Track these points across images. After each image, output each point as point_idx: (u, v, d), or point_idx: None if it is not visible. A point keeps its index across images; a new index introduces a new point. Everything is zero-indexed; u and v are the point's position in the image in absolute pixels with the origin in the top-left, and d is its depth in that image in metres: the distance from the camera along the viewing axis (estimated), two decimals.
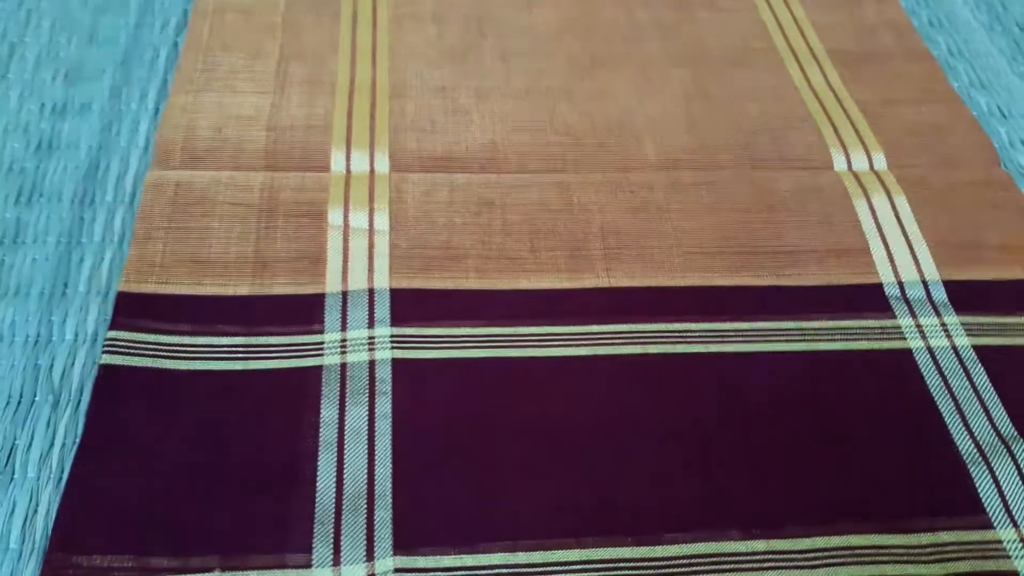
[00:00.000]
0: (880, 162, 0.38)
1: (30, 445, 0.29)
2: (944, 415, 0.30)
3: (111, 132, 0.39)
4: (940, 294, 0.33)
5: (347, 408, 0.29)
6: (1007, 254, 0.35)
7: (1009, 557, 0.27)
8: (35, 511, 0.27)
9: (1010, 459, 0.29)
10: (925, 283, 0.34)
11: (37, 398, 0.30)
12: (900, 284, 0.34)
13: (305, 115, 0.37)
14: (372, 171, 0.35)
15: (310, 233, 0.33)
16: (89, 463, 0.26)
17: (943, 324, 0.32)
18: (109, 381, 0.28)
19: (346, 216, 0.33)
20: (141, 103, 0.40)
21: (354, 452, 0.28)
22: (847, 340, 0.32)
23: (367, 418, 0.28)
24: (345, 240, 0.33)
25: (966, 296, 0.33)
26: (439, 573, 0.25)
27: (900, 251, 0.35)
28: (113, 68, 0.42)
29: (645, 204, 0.35)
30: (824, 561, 0.26)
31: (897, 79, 0.41)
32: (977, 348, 0.32)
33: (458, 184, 0.35)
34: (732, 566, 0.26)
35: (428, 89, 0.39)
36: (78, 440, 0.28)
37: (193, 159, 0.35)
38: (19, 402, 0.30)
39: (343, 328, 0.31)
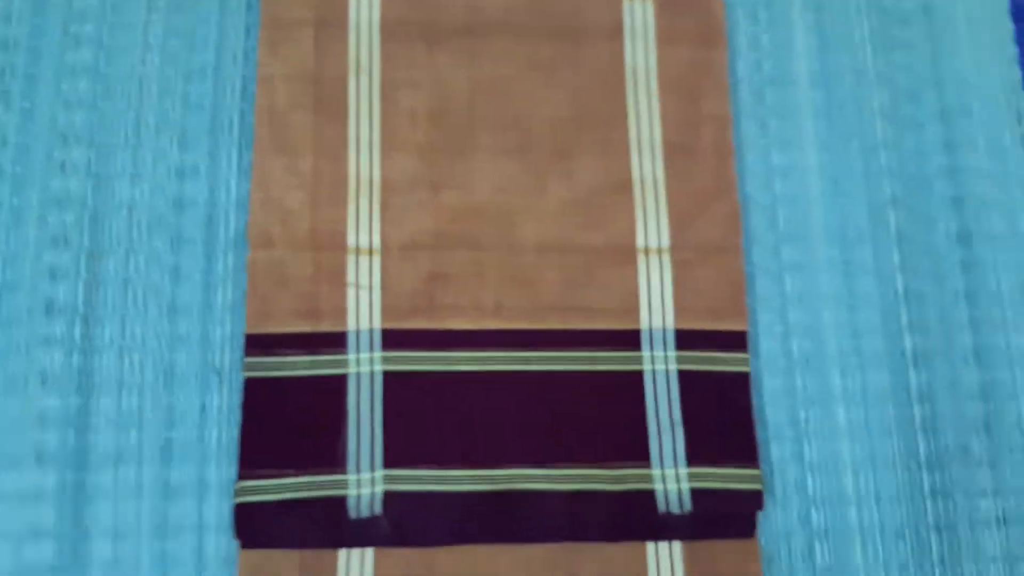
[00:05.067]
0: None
1: None
2: (647, 408, 0.61)
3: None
4: (671, 337, 0.63)
5: None
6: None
7: (652, 480, 0.60)
8: None
9: (671, 435, 0.61)
10: (664, 330, 0.63)
11: None
12: (651, 331, 0.63)
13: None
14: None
15: None
16: None
17: (665, 356, 0.63)
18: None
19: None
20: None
21: None
22: (612, 364, 0.62)
23: None
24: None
25: (686, 339, 0.63)
26: None
27: (657, 317, 0.63)
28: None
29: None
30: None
31: (711, 256, 0.64)
32: (680, 372, 0.62)
33: None
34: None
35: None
36: None
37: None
38: None
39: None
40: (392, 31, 0.66)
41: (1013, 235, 0.68)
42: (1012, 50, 0.71)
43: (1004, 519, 0.63)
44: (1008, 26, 0.72)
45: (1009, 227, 0.68)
